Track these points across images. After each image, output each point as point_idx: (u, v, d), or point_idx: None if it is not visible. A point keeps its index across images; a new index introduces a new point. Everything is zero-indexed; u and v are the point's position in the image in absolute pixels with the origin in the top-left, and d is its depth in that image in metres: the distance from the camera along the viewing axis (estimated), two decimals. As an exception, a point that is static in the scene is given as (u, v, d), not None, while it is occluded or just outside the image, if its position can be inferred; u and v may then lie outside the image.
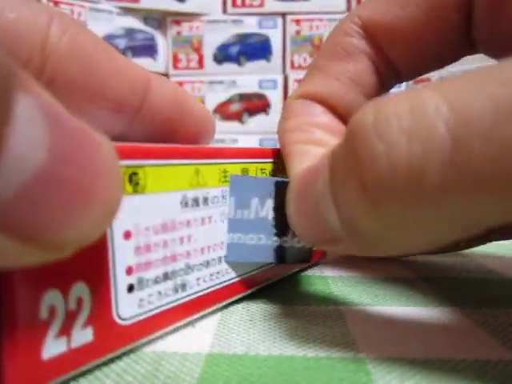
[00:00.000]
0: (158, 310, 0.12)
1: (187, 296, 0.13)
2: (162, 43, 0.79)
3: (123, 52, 0.72)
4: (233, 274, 0.14)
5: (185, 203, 0.12)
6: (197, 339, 0.12)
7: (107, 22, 0.72)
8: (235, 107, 0.79)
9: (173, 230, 0.12)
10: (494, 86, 0.08)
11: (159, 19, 0.79)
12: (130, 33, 0.75)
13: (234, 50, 0.79)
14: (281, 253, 0.14)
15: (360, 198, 0.09)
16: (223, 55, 0.79)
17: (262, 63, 0.78)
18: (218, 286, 0.14)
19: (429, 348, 0.12)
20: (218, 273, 0.14)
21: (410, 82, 0.65)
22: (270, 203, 0.14)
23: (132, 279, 0.11)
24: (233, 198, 0.14)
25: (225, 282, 0.14)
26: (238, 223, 0.14)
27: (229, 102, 0.79)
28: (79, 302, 0.09)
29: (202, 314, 0.13)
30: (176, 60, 0.79)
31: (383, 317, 0.14)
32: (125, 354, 0.11)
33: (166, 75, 0.78)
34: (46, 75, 0.12)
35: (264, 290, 0.16)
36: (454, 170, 0.08)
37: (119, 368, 0.11)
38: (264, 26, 0.78)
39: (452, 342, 0.12)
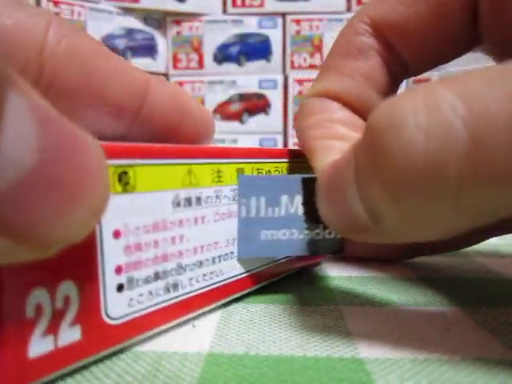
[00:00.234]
0: (148, 310, 0.12)
1: (179, 296, 0.12)
2: (162, 43, 0.79)
3: (123, 52, 0.72)
4: (227, 275, 0.14)
5: (177, 203, 0.12)
6: (197, 339, 0.12)
7: (107, 22, 0.72)
8: (235, 107, 0.79)
9: (164, 229, 0.12)
10: (510, 86, 0.08)
11: (159, 19, 0.79)
12: (129, 33, 0.75)
13: (234, 49, 0.79)
14: (313, 245, 0.15)
15: (381, 193, 0.09)
16: (223, 55, 0.79)
17: (261, 63, 0.78)
18: (211, 287, 0.14)
19: (429, 348, 0.12)
20: (211, 273, 0.14)
21: (410, 81, 0.65)
22: (298, 199, 0.14)
23: (122, 278, 0.11)
24: (263, 198, 0.14)
25: (219, 282, 0.14)
26: (270, 221, 0.14)
27: (229, 102, 0.79)
28: (67, 300, 0.09)
29: (195, 314, 0.13)
30: (176, 60, 0.79)
31: (383, 317, 0.14)
32: (125, 354, 0.11)
33: (166, 75, 0.78)
34: (45, 79, 0.12)
35: (264, 290, 0.16)
36: (471, 166, 0.08)
37: (119, 368, 0.11)
38: (264, 26, 0.78)
39: (452, 342, 0.12)
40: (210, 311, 0.14)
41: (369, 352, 0.11)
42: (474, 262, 0.21)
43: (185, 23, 0.79)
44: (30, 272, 0.09)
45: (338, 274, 0.19)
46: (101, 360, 0.11)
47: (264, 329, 0.13)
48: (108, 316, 0.10)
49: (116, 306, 0.11)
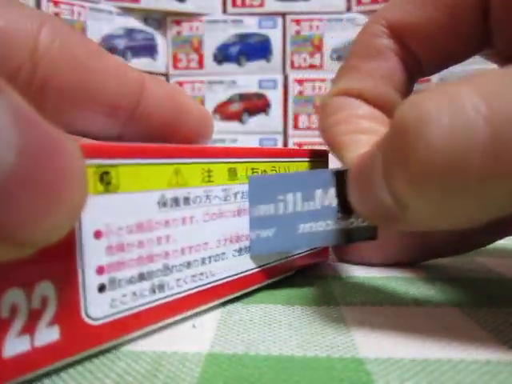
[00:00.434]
0: (133, 311, 0.11)
1: (166, 297, 0.12)
2: (162, 43, 0.79)
3: (123, 52, 0.72)
4: (218, 276, 0.14)
5: (163, 203, 0.12)
6: (197, 339, 0.12)
7: (107, 22, 0.72)
8: (235, 107, 0.79)
9: (149, 230, 0.12)
10: None
11: (159, 19, 0.79)
12: (129, 33, 0.75)
13: (234, 50, 0.79)
14: (348, 234, 0.16)
15: (407, 185, 0.10)
16: (223, 55, 0.79)
17: (261, 63, 0.78)
18: (201, 288, 0.13)
19: (429, 348, 0.12)
20: (201, 274, 0.13)
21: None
22: (332, 192, 0.15)
23: (103, 279, 0.11)
24: (299, 194, 0.15)
25: (209, 283, 0.14)
26: (307, 214, 0.15)
27: (229, 101, 0.79)
28: (44, 300, 0.09)
29: (184, 315, 0.13)
30: (176, 60, 0.79)
31: (383, 317, 0.14)
32: (125, 354, 0.11)
33: (166, 75, 0.78)
34: (38, 80, 0.12)
35: (264, 290, 0.16)
36: (492, 161, 0.09)
37: (119, 368, 0.11)
38: (264, 26, 0.78)
39: (452, 342, 0.12)
40: (210, 311, 0.14)
41: (369, 352, 0.11)
42: (475, 261, 0.21)
43: (185, 23, 0.79)
44: (4, 273, 0.09)
45: (338, 274, 0.19)
46: (101, 360, 0.11)
47: (264, 329, 0.13)
48: (89, 316, 0.10)
49: (97, 307, 0.11)
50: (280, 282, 0.17)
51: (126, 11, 0.74)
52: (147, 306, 0.12)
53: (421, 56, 0.16)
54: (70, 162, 0.08)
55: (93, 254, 0.10)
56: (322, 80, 0.72)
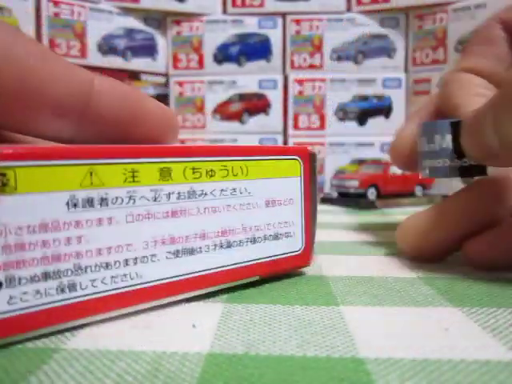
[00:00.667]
0: (36, 309, 0.12)
1: (79, 297, 0.12)
2: (162, 43, 0.79)
3: (123, 52, 0.72)
4: (148, 278, 0.14)
5: (73, 204, 0.12)
6: (197, 339, 0.12)
7: (107, 22, 0.72)
8: (235, 107, 0.79)
9: (56, 230, 0.12)
10: None
11: (159, 19, 0.78)
12: (129, 33, 0.75)
13: (234, 50, 0.79)
14: (462, 170, 0.19)
15: None
16: (223, 55, 0.79)
17: (261, 63, 0.78)
18: (124, 290, 0.13)
19: (429, 348, 0.12)
20: (124, 275, 0.13)
21: (410, 81, 0.65)
22: (448, 137, 0.19)
23: None
24: (424, 138, 0.20)
25: (136, 285, 0.13)
26: (430, 153, 0.20)
27: (229, 101, 0.79)
28: None
29: (105, 316, 0.13)
30: (176, 60, 0.79)
31: (383, 317, 0.14)
32: (125, 354, 0.11)
33: (166, 75, 0.78)
34: None
35: (264, 290, 0.16)
36: None
37: (119, 368, 0.11)
38: (264, 26, 0.78)
39: (452, 342, 0.12)
40: (210, 311, 0.14)
41: (369, 352, 0.11)
42: (474, 261, 0.21)
43: (185, 23, 0.78)
44: None
45: (338, 274, 0.19)
46: (101, 360, 0.11)
47: (264, 329, 0.13)
48: None
49: None
50: (280, 282, 0.17)
51: (126, 11, 0.74)
52: (55, 305, 0.12)
53: None
54: None
55: None
56: (322, 80, 0.71)
